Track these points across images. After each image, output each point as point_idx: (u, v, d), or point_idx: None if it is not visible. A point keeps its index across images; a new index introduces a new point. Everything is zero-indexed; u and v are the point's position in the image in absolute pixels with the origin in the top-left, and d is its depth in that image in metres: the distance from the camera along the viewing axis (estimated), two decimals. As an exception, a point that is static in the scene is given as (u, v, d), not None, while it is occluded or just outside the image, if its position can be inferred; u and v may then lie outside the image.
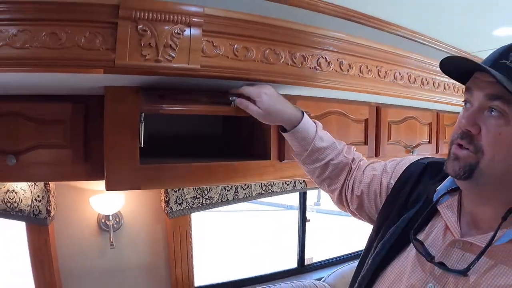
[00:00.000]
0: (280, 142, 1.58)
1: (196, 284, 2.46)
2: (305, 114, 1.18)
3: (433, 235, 0.85)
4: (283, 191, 2.57)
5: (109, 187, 1.37)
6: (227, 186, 2.37)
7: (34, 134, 1.54)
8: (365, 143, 1.96)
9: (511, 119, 0.70)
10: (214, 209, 2.45)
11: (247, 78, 1.22)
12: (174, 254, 2.33)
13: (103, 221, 2.25)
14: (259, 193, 2.49)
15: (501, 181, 0.75)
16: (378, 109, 1.99)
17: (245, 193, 2.44)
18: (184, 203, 2.29)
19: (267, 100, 1.16)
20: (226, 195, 2.39)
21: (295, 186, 2.57)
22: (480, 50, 2.20)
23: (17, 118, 1.52)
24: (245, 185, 2.41)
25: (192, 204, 2.31)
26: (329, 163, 1.17)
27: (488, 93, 0.72)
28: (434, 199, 0.87)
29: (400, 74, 1.65)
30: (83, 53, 1.02)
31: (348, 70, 1.44)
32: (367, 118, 1.95)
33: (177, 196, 2.26)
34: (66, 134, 1.56)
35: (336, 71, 1.40)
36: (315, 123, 1.20)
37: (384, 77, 1.60)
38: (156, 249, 2.37)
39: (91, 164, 1.54)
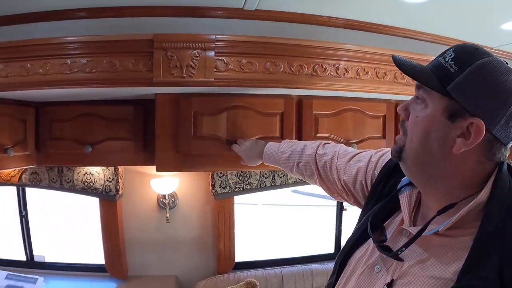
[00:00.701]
0: (299, 134, 1.92)
1: (236, 260, 2.88)
2: (266, 144, 1.63)
3: (394, 223, 0.93)
4: None
5: (158, 169, 1.89)
6: (265, 173, 2.78)
7: (105, 129, 2.16)
8: (383, 137, 2.17)
9: (428, 104, 0.80)
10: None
11: (252, 86, 1.63)
12: (219, 231, 2.78)
13: (161, 200, 2.80)
14: (295, 181, 2.85)
15: (423, 164, 0.83)
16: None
17: (282, 181, 2.81)
18: (228, 187, 2.74)
19: (244, 156, 1.74)
20: (264, 182, 2.79)
21: None
22: (488, 45, 2.23)
23: (93, 117, 2.17)
24: (282, 173, 2.79)
25: (234, 188, 2.76)
26: (299, 166, 1.44)
27: (416, 84, 0.84)
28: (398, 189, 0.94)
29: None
30: (131, 74, 1.54)
31: (344, 74, 1.75)
32: (385, 115, 2.17)
33: (222, 181, 2.73)
34: (129, 129, 2.15)
35: (332, 75, 1.72)
36: (279, 144, 1.58)
37: (383, 77, 1.85)
38: (204, 226, 2.87)
39: (148, 153, 2.12)
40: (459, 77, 0.75)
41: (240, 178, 2.76)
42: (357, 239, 0.97)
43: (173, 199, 2.83)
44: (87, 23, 1.69)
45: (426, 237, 0.80)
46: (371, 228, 0.90)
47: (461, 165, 0.78)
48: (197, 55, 1.53)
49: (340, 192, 1.27)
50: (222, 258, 2.80)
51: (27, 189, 3.05)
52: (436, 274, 0.75)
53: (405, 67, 0.84)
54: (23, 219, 3.08)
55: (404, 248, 0.80)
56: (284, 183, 2.83)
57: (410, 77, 0.83)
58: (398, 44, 2.01)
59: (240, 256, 2.95)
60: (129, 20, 1.67)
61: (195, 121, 1.83)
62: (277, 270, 2.74)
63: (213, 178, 2.70)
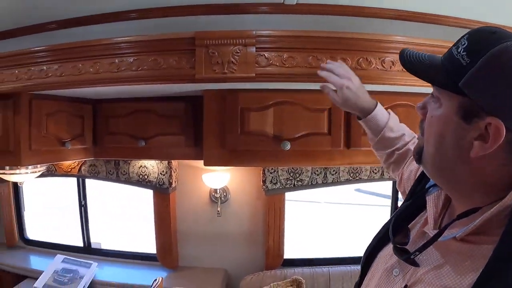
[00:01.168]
0: (347, 130, 1.92)
1: (285, 256, 2.90)
2: (378, 105, 1.28)
3: (418, 225, 0.89)
4: (371, 179, 2.83)
5: (206, 164, 1.99)
6: (317, 170, 2.78)
7: (158, 125, 2.33)
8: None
9: (442, 103, 0.74)
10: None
11: (294, 81, 1.66)
12: (268, 227, 2.82)
13: (213, 194, 2.91)
14: (347, 179, 2.82)
15: (441, 168, 0.78)
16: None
17: (334, 178, 2.80)
18: (278, 183, 2.78)
19: (347, 92, 1.25)
20: (316, 178, 2.79)
21: (383, 175, 2.82)
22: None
23: (146, 113, 2.34)
24: (334, 170, 2.78)
25: (285, 185, 2.78)
26: (394, 152, 1.27)
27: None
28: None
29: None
30: (174, 71, 1.64)
31: (391, 67, 1.70)
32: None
33: (272, 177, 2.77)
34: (180, 125, 2.30)
35: (378, 68, 1.68)
36: (389, 113, 1.30)
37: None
38: (255, 221, 2.92)
39: (198, 147, 2.22)
40: (471, 70, 0.66)
41: (291, 174, 2.78)
42: (381, 238, 0.95)
43: (225, 193, 2.93)
44: (135, 24, 1.81)
45: (445, 242, 0.75)
46: (394, 228, 0.87)
47: (482, 169, 0.70)
48: (238, 51, 1.59)
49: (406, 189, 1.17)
50: (271, 254, 2.85)
51: (87, 180, 3.31)
52: (449, 284, 0.69)
53: (408, 62, 0.79)
54: (82, 208, 3.36)
55: (417, 253, 0.76)
56: (336, 180, 2.81)
57: (411, 73, 0.78)
58: (450, 34, 1.90)
59: (291, 253, 2.97)
60: (174, 20, 1.76)
61: (242, 117, 1.90)
62: (325, 269, 2.73)
63: (264, 173, 2.76)
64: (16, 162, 2.10)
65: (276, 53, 1.62)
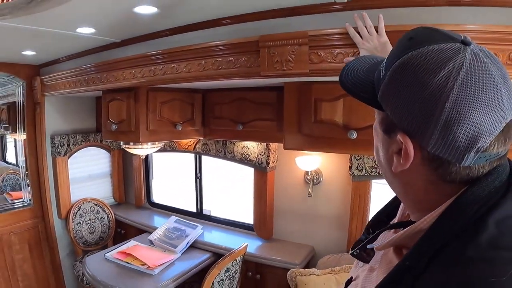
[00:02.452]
0: None
1: None
2: None
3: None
4: None
5: (285, 147, 2.32)
6: None
7: (254, 111, 2.75)
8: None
9: (375, 117, 0.75)
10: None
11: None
12: (352, 212, 2.98)
13: (306, 175, 3.19)
14: None
15: (384, 177, 0.78)
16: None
17: None
18: (364, 170, 2.91)
19: (362, 52, 1.59)
20: None
21: None
22: None
23: (245, 101, 2.78)
24: None
25: (370, 172, 2.90)
26: None
27: None
28: None
29: None
30: (245, 69, 2.02)
31: None
32: None
33: (358, 164, 2.91)
34: (273, 111, 2.66)
35: None
36: None
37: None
38: (342, 204, 3.09)
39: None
40: (384, 82, 0.65)
41: (377, 162, 2.89)
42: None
43: (317, 176, 3.16)
44: (227, 29, 2.23)
45: (386, 248, 0.75)
46: (374, 222, 0.87)
47: (410, 184, 0.69)
48: (294, 50, 1.88)
49: None
50: (352, 238, 2.98)
51: (203, 156, 3.92)
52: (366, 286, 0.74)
53: (343, 81, 0.79)
54: (198, 180, 3.99)
55: (356, 251, 0.81)
56: None
57: (346, 92, 0.78)
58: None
59: None
60: (248, 25, 2.13)
61: (315, 106, 2.16)
62: None
63: (351, 160, 2.91)
64: (136, 139, 2.74)
65: (327, 50, 1.84)
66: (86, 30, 2.42)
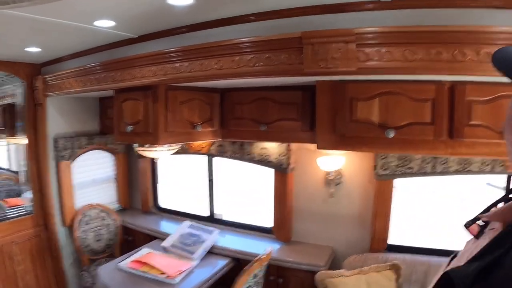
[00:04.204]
0: (450, 120, 1.98)
1: (390, 242, 3.00)
2: None
3: None
4: (481, 171, 2.72)
5: (319, 147, 2.27)
6: (427, 159, 2.82)
7: (278, 111, 2.67)
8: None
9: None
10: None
11: (391, 73, 1.83)
12: (376, 211, 2.96)
13: (327, 176, 3.14)
14: (456, 169, 2.78)
15: None
16: None
17: (443, 168, 2.80)
18: (388, 170, 2.89)
19: None
20: (425, 167, 2.83)
21: (494, 168, 2.68)
22: None
23: (267, 101, 2.70)
24: (443, 160, 2.79)
25: (395, 171, 2.88)
26: None
27: None
28: None
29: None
30: (285, 66, 1.93)
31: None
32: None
33: (383, 163, 2.89)
34: (298, 112, 2.60)
35: (473, 60, 1.68)
36: None
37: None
38: (365, 204, 3.08)
39: (313, 132, 2.48)
40: None
41: (401, 161, 2.86)
42: None
43: (338, 176, 3.13)
44: (252, 26, 2.14)
45: (489, 216, 0.80)
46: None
47: None
48: (340, 48, 1.81)
49: None
50: (376, 238, 2.98)
51: (214, 159, 3.82)
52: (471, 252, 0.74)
53: (498, 61, 0.72)
54: (210, 182, 3.89)
55: (469, 223, 0.83)
56: (445, 170, 2.82)
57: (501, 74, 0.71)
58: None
59: (397, 239, 3.05)
60: (286, 21, 2.05)
61: (350, 105, 2.13)
62: (425, 258, 2.77)
63: (376, 159, 2.90)
64: (154, 141, 2.62)
65: (375, 48, 1.78)
66: (105, 23, 2.30)
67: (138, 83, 2.55)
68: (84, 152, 3.99)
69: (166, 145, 2.83)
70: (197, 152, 3.65)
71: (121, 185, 4.38)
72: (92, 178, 4.16)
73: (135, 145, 2.93)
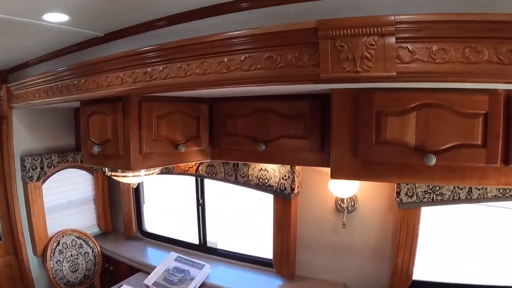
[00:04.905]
0: (506, 142, 1.43)
1: (414, 277, 2.49)
2: None
3: None
4: None
5: (333, 176, 1.66)
6: None
7: (280, 126, 2.05)
8: None
9: None
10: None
11: (445, 81, 1.24)
12: (399, 244, 2.43)
13: (339, 202, 2.60)
14: (495, 195, 2.24)
15: None
16: None
17: (480, 194, 2.24)
18: (415, 196, 2.34)
19: None
20: (459, 193, 2.27)
21: None
22: None
23: (267, 113, 2.07)
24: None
25: (422, 198, 2.34)
26: None
27: None
28: None
29: None
30: (294, 70, 1.32)
31: None
32: None
33: (408, 189, 2.35)
34: (306, 127, 1.98)
35: None
36: None
37: None
38: (384, 235, 2.55)
39: (326, 153, 1.89)
40: None
41: (430, 187, 2.31)
42: None
43: (352, 203, 2.60)
44: (246, 15, 1.53)
45: None
46: None
47: None
48: (373, 43, 1.21)
49: None
50: (398, 274, 2.47)
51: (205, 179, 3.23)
52: None
53: None
54: (200, 206, 3.32)
55: None
56: (482, 196, 2.26)
57: None
58: None
59: (422, 274, 2.56)
60: (294, 7, 1.44)
61: (377, 122, 1.52)
62: None
63: (399, 184, 2.36)
64: (126, 167, 2.01)
65: (423, 45, 1.21)
66: (56, 18, 1.75)
67: (104, 94, 1.94)
68: (57, 171, 3.40)
69: (143, 169, 2.21)
70: (184, 172, 3.03)
71: (101, 206, 3.78)
72: (67, 200, 3.58)
73: (106, 169, 2.32)
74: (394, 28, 1.19)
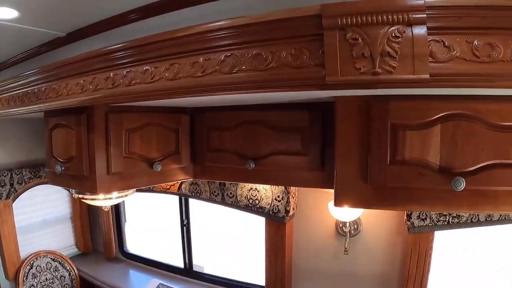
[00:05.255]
0: None
1: None
2: None
3: None
4: None
5: (337, 204, 1.32)
6: None
7: (272, 141, 1.71)
8: None
9: None
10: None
11: (492, 86, 0.92)
12: (409, 272, 2.16)
13: (340, 226, 2.28)
14: None
15: None
16: None
17: (502, 215, 1.97)
18: (428, 219, 2.06)
19: None
20: (478, 215, 1.99)
21: None
22: None
23: (258, 125, 1.72)
24: None
25: (437, 221, 2.05)
26: None
27: None
28: None
29: None
30: (291, 72, 0.98)
31: None
32: None
33: (421, 211, 2.06)
34: (303, 141, 1.64)
35: None
36: None
37: None
38: (391, 261, 2.27)
39: (328, 173, 1.56)
40: None
41: None
42: None
43: (355, 226, 2.30)
44: (227, 4, 1.20)
45: None
46: None
47: None
48: (398, 34, 0.88)
49: None
50: None
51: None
52: None
53: None
54: (184, 227, 3.05)
55: None
56: (504, 218, 1.98)
57: None
58: None
59: None
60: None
61: (393, 137, 1.20)
62: None
63: None
64: (92, 189, 1.66)
65: (464, 38, 0.88)
66: (3, 14, 1.50)
67: (62, 104, 1.60)
68: (29, 188, 3.07)
69: (115, 192, 1.86)
70: (165, 191, 2.69)
71: (79, 225, 3.46)
72: (42, 218, 3.27)
73: (73, 190, 1.98)
74: (425, 15, 0.86)
